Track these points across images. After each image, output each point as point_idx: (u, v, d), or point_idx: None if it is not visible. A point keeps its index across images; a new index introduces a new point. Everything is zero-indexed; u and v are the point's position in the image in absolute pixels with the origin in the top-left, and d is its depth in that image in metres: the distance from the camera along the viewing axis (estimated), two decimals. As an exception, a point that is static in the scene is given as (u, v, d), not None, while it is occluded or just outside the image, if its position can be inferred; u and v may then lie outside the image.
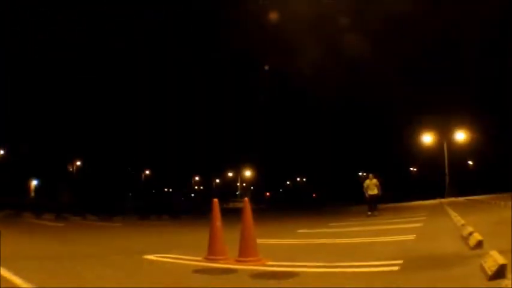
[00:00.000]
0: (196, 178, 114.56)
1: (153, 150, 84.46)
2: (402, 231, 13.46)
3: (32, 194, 78.37)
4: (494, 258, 5.76)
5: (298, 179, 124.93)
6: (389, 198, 40.17)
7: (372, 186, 24.98)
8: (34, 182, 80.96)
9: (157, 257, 9.65)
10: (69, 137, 73.63)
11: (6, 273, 7.05)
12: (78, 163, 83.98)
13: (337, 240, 12.36)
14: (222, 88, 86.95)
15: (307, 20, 46.51)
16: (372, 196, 24.90)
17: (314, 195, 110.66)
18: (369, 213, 24.25)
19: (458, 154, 57.43)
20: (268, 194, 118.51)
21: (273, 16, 46.48)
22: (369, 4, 50.06)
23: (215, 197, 9.13)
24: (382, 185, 25.40)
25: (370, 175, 25.55)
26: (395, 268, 7.15)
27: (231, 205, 63.43)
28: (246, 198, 8.61)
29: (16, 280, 6.60)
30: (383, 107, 78.45)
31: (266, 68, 72.66)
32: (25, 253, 10.61)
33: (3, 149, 77.10)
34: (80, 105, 73.61)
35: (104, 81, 74.32)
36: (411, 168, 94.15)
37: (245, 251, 8.19)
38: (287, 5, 42.75)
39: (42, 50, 62.28)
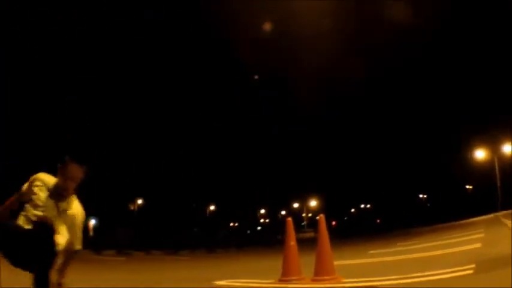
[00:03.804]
0: (262, 211, 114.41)
1: (218, 184, 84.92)
2: (467, 242, 13.76)
3: (91, 233, 79.62)
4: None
5: (362, 206, 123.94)
6: (447, 217, 40.12)
7: None
8: (92, 222, 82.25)
9: (228, 282, 9.52)
10: (130, 176, 74.59)
11: None
12: (140, 201, 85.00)
13: (409, 256, 12.34)
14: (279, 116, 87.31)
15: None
16: None
17: (378, 220, 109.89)
18: None
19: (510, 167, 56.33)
20: (334, 222, 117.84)
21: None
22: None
23: (289, 217, 8.92)
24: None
25: None
26: (470, 272, 7.23)
27: (300, 236, 63.09)
28: (321, 215, 8.32)
29: None
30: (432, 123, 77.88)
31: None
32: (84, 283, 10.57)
33: None
34: (138, 144, 74.91)
35: (155, 116, 75.19)
36: (467, 186, 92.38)
37: (321, 269, 7.91)
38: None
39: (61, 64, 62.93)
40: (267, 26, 52.87)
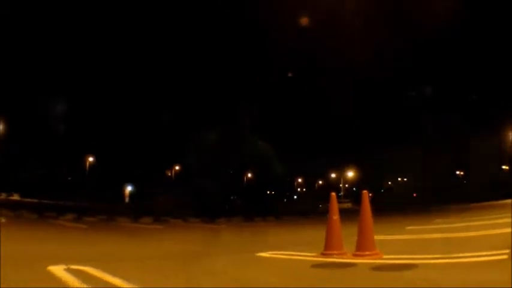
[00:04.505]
0: (299, 180, 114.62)
1: (255, 152, 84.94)
2: (502, 225, 13.26)
3: (127, 199, 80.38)
4: None
5: (399, 179, 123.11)
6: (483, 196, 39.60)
7: None
8: (128, 188, 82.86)
9: (270, 254, 9.74)
10: (167, 143, 74.96)
11: (102, 275, 7.27)
12: (177, 168, 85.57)
13: (445, 235, 12.34)
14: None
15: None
16: None
17: (415, 194, 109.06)
18: None
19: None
20: (370, 194, 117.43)
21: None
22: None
23: (332, 191, 9.15)
24: None
25: None
26: (505, 257, 7.29)
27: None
28: (365, 191, 8.55)
29: (115, 280, 6.77)
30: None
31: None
32: (122, 254, 10.88)
33: (93, 156, 79.82)
34: (177, 111, 75.23)
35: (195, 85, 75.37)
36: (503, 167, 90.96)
37: (363, 245, 8.20)
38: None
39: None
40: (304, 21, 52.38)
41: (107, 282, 6.59)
